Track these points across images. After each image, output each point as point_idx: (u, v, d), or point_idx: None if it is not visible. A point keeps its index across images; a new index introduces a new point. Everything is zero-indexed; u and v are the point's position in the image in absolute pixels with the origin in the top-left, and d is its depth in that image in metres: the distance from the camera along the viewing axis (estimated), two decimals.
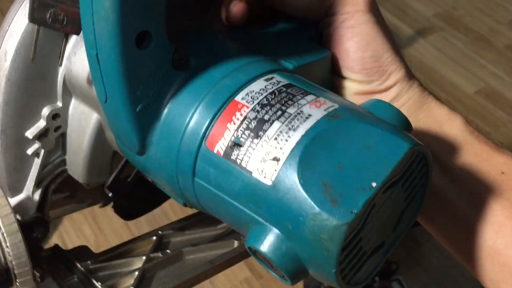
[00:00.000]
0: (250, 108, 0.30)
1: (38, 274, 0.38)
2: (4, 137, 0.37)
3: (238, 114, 0.30)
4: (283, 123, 0.29)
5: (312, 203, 0.26)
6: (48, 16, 0.31)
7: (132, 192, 0.42)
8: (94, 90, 0.32)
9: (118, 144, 0.35)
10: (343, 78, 0.38)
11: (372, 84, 0.38)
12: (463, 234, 0.35)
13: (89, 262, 0.44)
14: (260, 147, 0.29)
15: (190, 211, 0.44)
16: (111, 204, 0.50)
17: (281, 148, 0.28)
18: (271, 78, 0.32)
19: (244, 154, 0.29)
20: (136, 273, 0.44)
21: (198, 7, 0.40)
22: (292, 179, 0.27)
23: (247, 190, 0.29)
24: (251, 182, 0.29)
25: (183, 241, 0.49)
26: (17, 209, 0.40)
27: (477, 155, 0.36)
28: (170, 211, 1.23)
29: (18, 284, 0.37)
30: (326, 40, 0.38)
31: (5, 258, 0.37)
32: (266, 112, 0.30)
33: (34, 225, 0.40)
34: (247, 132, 0.29)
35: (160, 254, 0.46)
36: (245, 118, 0.30)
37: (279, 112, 0.29)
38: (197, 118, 0.31)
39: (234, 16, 0.37)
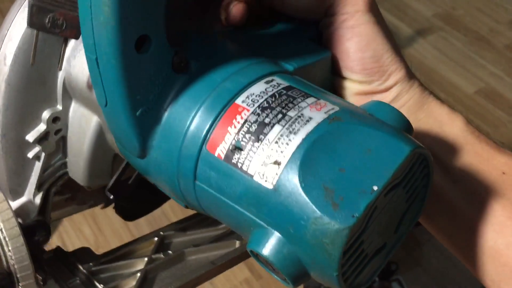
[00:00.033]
0: (250, 111, 0.30)
1: (41, 277, 0.38)
2: (4, 141, 0.37)
3: (238, 117, 0.30)
4: (283, 126, 0.29)
5: (314, 207, 0.26)
6: (47, 20, 0.30)
7: (133, 194, 0.42)
8: (94, 93, 0.32)
9: (119, 147, 0.35)
10: (344, 78, 0.38)
11: (372, 84, 0.38)
12: (464, 234, 0.35)
13: (91, 264, 0.44)
14: (261, 150, 0.29)
15: (190, 212, 0.44)
16: (112, 204, 0.50)
17: (282, 152, 0.28)
18: (272, 81, 0.32)
19: (245, 158, 0.29)
20: (138, 274, 0.44)
21: (198, 8, 0.40)
22: (293, 182, 0.27)
23: (248, 194, 0.29)
24: (252, 186, 0.29)
25: (185, 242, 0.49)
26: (18, 212, 0.40)
27: (478, 155, 0.36)
28: (170, 211, 1.23)
29: (20, 287, 0.37)
30: (326, 40, 0.38)
31: (7, 261, 0.37)
32: (267, 115, 0.29)
33: (35, 228, 0.40)
34: (247, 136, 0.29)
35: (162, 255, 0.46)
36: (245, 121, 0.30)
37: (280, 115, 0.29)
38: (198, 122, 0.31)
39: (233, 16, 0.37)
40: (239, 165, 0.29)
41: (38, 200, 0.41)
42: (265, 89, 0.31)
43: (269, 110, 0.30)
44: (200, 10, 0.39)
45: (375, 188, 0.26)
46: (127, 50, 0.28)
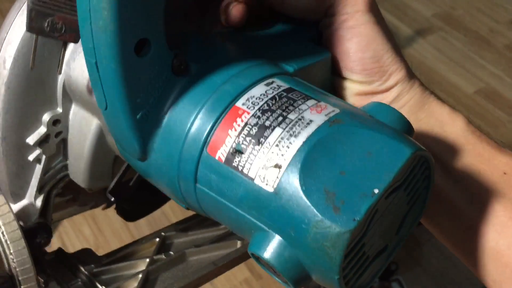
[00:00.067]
0: (251, 114, 0.30)
1: (42, 280, 0.38)
2: (5, 144, 0.37)
3: (239, 120, 0.30)
4: (284, 129, 0.29)
5: (315, 210, 0.26)
6: (46, 25, 0.30)
7: (134, 196, 0.42)
8: (94, 97, 0.32)
9: (119, 149, 0.34)
10: (344, 78, 0.38)
11: (373, 84, 0.38)
12: (466, 235, 0.35)
13: (92, 265, 0.44)
14: (262, 153, 0.29)
15: (190, 212, 0.44)
16: (113, 205, 0.50)
17: (282, 155, 0.28)
18: (272, 83, 0.32)
19: (246, 161, 0.29)
20: (140, 275, 0.44)
21: (197, 9, 0.39)
22: (294, 186, 0.27)
23: (249, 197, 0.29)
24: (253, 189, 0.29)
25: (186, 242, 0.49)
26: (19, 215, 0.40)
27: (479, 155, 0.36)
28: (170, 212, 1.24)
29: None
30: (326, 40, 0.38)
31: (9, 264, 0.37)
32: (267, 118, 0.29)
33: (37, 231, 0.40)
34: (248, 139, 0.29)
35: (163, 256, 0.46)
36: (246, 124, 0.30)
37: (280, 118, 0.29)
38: (198, 125, 0.31)
39: (233, 17, 0.37)
40: (240, 168, 0.29)
41: (39, 202, 0.41)
42: (265, 92, 0.31)
43: (269, 113, 0.30)
44: (200, 11, 0.39)
45: (376, 191, 0.26)
46: (126, 54, 0.28)
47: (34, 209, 0.41)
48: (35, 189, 0.40)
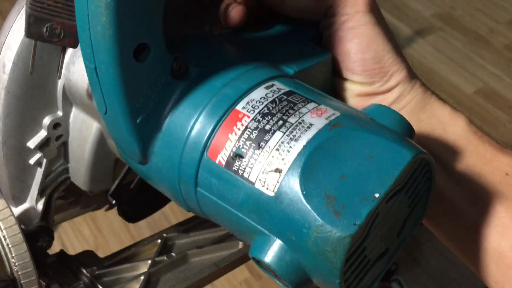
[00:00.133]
0: (251, 118, 0.30)
1: (44, 284, 0.38)
2: (5, 148, 0.37)
3: (239, 124, 0.30)
4: (284, 133, 0.29)
5: (315, 215, 0.26)
6: (44, 30, 0.30)
7: (136, 198, 0.42)
8: (94, 101, 0.32)
9: (120, 152, 0.34)
10: (344, 79, 0.38)
11: (373, 85, 0.38)
12: (468, 236, 0.35)
13: (94, 267, 0.44)
14: (262, 158, 0.28)
15: (190, 214, 0.44)
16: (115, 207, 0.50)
17: (283, 159, 0.28)
18: (272, 86, 0.32)
19: (246, 165, 0.29)
20: (142, 277, 0.44)
21: (196, 11, 0.39)
22: (295, 190, 0.27)
23: (249, 201, 0.29)
24: (253, 193, 0.28)
25: (188, 243, 0.49)
26: (21, 218, 0.40)
27: (480, 156, 0.36)
28: (170, 213, 1.24)
29: None
30: (326, 41, 0.38)
31: (11, 268, 0.37)
32: (267, 122, 0.29)
33: (38, 234, 0.40)
34: (248, 143, 0.29)
35: (165, 258, 0.46)
36: (246, 128, 0.29)
37: (280, 122, 0.29)
38: (198, 128, 0.30)
39: (232, 19, 0.37)
40: (240, 172, 0.29)
41: (40, 205, 0.41)
42: (265, 95, 0.31)
43: (269, 117, 0.29)
44: (199, 12, 0.39)
45: (377, 195, 0.26)
46: (125, 59, 0.28)
47: (36, 213, 0.41)
48: (36, 192, 0.40)
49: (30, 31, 0.30)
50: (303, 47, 0.38)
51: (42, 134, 0.38)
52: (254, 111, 0.30)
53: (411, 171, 0.29)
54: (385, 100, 0.38)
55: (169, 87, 0.31)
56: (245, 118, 0.30)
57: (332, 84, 0.39)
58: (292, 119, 0.29)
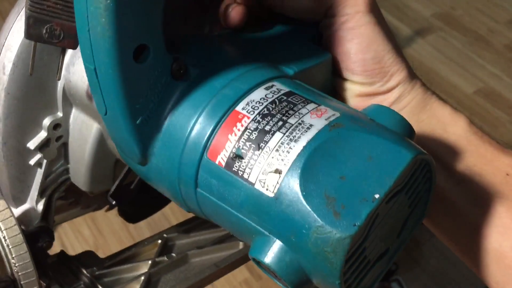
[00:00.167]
0: (251, 119, 0.30)
1: (44, 284, 0.38)
2: (5, 148, 0.37)
3: (239, 124, 0.30)
4: (284, 134, 0.29)
5: (315, 215, 0.26)
6: (44, 31, 0.30)
7: (136, 199, 0.42)
8: (94, 102, 0.32)
9: (120, 153, 0.34)
10: (345, 80, 0.38)
11: (374, 85, 0.38)
12: (468, 236, 0.35)
13: (95, 268, 0.44)
14: (262, 158, 0.28)
15: (190, 214, 0.44)
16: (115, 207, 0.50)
17: (282, 160, 0.28)
18: (272, 86, 0.32)
19: (246, 166, 0.29)
20: (142, 278, 0.44)
21: (196, 11, 0.39)
22: (295, 191, 0.27)
23: (249, 202, 0.29)
24: (253, 194, 0.28)
25: (188, 244, 0.49)
26: (21, 219, 0.40)
27: (481, 156, 0.36)
28: (170, 213, 1.23)
29: None
30: (326, 42, 0.38)
31: (11, 269, 0.37)
32: (267, 123, 0.29)
33: (39, 234, 0.40)
34: (248, 144, 0.29)
35: (165, 258, 0.46)
36: (246, 129, 0.29)
37: (280, 123, 0.29)
38: (198, 129, 0.30)
39: (232, 19, 0.37)
40: (240, 173, 0.29)
41: (40, 206, 0.41)
42: (265, 96, 0.31)
43: (269, 117, 0.29)
44: (199, 12, 0.39)
45: (377, 196, 0.26)
46: (125, 60, 0.28)
47: (36, 213, 0.41)
48: (36, 193, 0.40)
49: (30, 33, 0.30)
50: (303, 48, 0.38)
51: (42, 135, 0.38)
52: (254, 112, 0.30)
53: (411, 172, 0.28)
54: (385, 100, 0.38)
55: (169, 88, 0.31)
56: (245, 119, 0.30)
57: (332, 85, 0.39)
58: (292, 120, 0.29)
